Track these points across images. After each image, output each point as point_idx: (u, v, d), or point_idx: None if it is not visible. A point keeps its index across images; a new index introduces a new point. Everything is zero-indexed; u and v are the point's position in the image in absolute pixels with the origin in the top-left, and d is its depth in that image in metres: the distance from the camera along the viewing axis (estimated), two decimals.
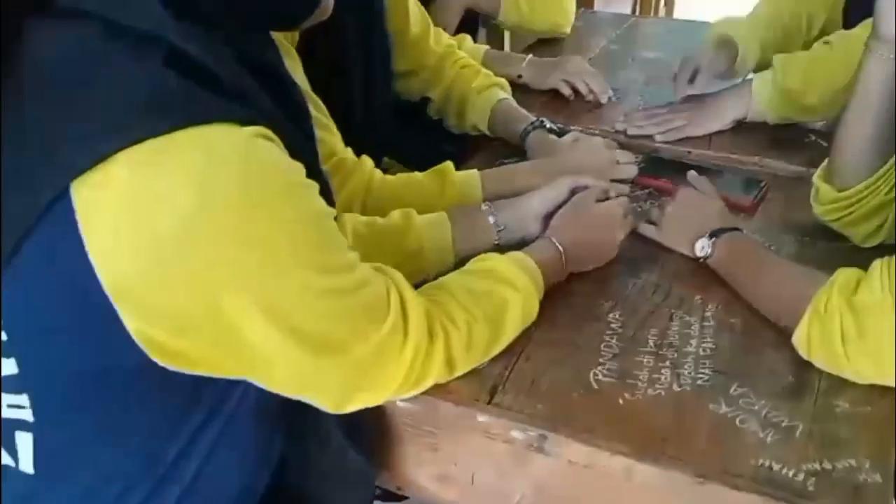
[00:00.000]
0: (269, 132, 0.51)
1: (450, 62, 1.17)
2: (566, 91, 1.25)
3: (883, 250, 0.73)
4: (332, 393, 0.60)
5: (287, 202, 0.51)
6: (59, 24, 0.51)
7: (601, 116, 1.21)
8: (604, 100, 1.24)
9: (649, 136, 1.13)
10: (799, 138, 1.11)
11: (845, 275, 0.69)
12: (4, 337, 0.53)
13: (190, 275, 0.49)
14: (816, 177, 0.87)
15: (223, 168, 0.48)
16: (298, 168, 0.53)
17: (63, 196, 0.47)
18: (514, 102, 1.14)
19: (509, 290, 0.72)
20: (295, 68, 0.82)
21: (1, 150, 0.49)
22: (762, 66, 1.13)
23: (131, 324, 0.50)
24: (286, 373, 0.57)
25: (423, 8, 1.17)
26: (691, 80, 1.14)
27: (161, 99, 0.48)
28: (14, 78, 0.50)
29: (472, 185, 0.94)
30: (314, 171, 0.55)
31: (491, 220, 0.85)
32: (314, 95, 0.86)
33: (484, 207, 0.87)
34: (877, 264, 0.68)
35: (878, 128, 0.78)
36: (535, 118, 1.09)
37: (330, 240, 0.56)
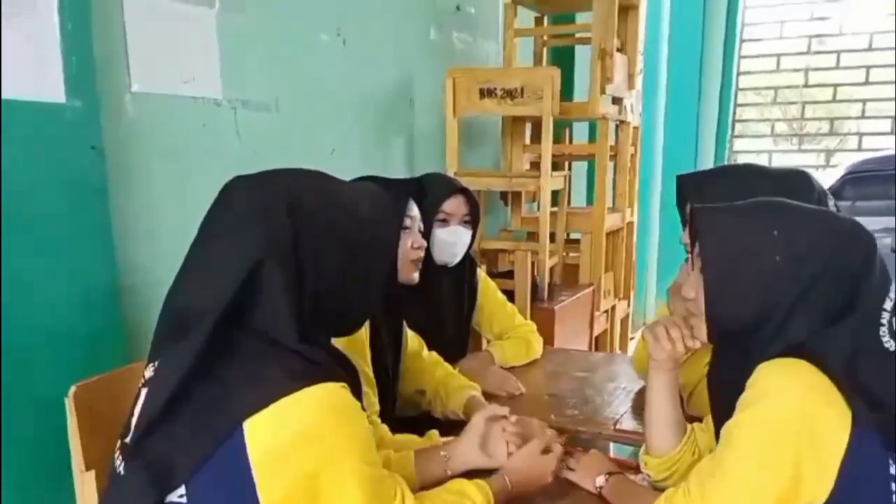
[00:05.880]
0: (345, 384, 1.02)
1: (439, 370, 1.75)
2: (501, 393, 1.80)
3: None
4: None
5: (357, 420, 1.01)
6: (247, 338, 1.00)
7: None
8: (517, 393, 1.81)
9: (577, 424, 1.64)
10: None
11: (669, 489, 1.15)
12: (182, 490, 0.96)
13: (309, 456, 0.95)
14: (641, 452, 1.34)
15: (329, 405, 0.97)
16: (358, 403, 1.03)
17: (237, 429, 0.94)
18: (481, 397, 1.67)
19: (469, 502, 1.17)
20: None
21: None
22: None
23: (262, 495, 0.94)
24: None
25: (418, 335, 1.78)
26: None
27: (295, 372, 0.98)
28: (226, 357, 1.00)
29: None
30: (362, 406, 1.06)
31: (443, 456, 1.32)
32: (366, 370, 1.45)
33: (442, 453, 1.33)
34: (682, 484, 1.13)
35: (668, 416, 1.28)
36: None
37: (373, 447, 1.04)
